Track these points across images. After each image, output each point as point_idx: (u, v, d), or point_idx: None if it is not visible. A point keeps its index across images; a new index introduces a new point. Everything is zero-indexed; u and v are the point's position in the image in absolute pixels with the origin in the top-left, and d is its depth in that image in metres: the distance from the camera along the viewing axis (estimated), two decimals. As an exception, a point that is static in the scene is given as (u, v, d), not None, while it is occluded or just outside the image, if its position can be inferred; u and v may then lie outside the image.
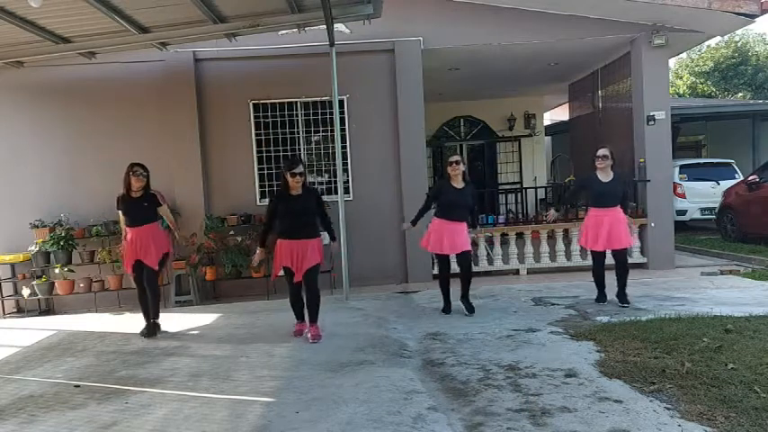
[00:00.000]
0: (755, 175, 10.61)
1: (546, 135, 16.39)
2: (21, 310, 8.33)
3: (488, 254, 9.04)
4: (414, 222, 6.29)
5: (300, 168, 5.25)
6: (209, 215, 8.21)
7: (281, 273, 5.45)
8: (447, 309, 6.30)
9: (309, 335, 5.37)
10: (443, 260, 6.30)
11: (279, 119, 8.66)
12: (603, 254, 6.29)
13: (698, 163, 13.83)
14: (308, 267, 5.24)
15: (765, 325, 4.96)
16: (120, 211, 5.91)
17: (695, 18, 8.18)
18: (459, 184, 6.09)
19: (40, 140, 8.40)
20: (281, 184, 5.38)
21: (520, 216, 10.64)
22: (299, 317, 5.62)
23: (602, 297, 6.41)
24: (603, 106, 10.85)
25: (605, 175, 6.18)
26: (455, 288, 6.27)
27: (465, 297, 6.21)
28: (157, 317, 6.04)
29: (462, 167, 6.08)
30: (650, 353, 4.41)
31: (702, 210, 12.38)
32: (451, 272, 6.41)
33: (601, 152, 6.20)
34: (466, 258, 6.15)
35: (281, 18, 6.85)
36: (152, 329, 5.93)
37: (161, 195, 6.11)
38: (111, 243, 8.03)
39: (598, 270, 6.38)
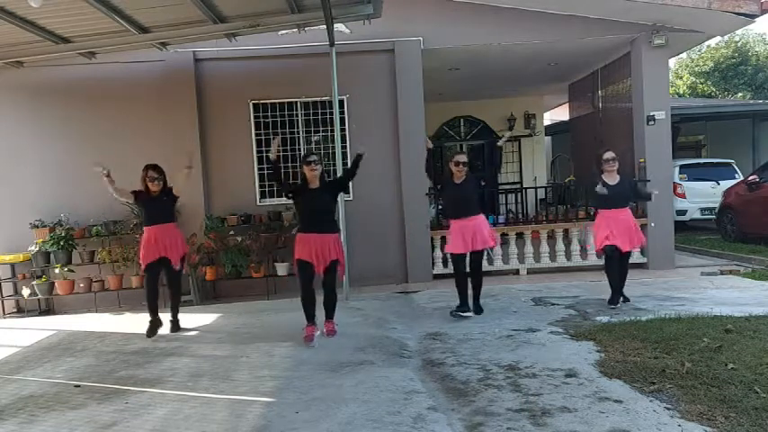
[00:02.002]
0: (755, 175, 10.60)
1: (546, 135, 16.38)
2: (21, 310, 8.33)
3: (488, 254, 9.03)
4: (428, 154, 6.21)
5: (314, 157, 5.35)
6: (209, 215, 8.21)
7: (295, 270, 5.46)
8: (466, 308, 6.03)
9: (325, 330, 5.43)
10: (460, 259, 6.04)
11: (279, 119, 8.66)
12: (619, 251, 6.03)
13: (698, 163, 13.82)
14: (328, 261, 5.26)
15: (765, 325, 4.96)
16: (131, 193, 5.88)
17: (695, 18, 8.18)
18: (459, 180, 6.02)
19: (40, 140, 8.40)
20: (301, 180, 5.46)
21: (520, 216, 10.64)
22: (310, 317, 5.37)
23: (616, 299, 6.11)
24: (603, 106, 10.84)
25: (612, 178, 6.12)
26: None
27: (476, 302, 6.13)
28: (177, 316, 6.12)
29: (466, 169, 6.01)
30: (650, 353, 4.41)
31: (702, 210, 12.38)
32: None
33: (609, 155, 6.10)
34: (477, 257, 6.03)
35: (281, 18, 6.85)
36: (156, 328, 5.89)
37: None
38: (111, 243, 8.04)
39: (613, 270, 6.11)
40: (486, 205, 6.38)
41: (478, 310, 6.13)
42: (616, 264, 6.11)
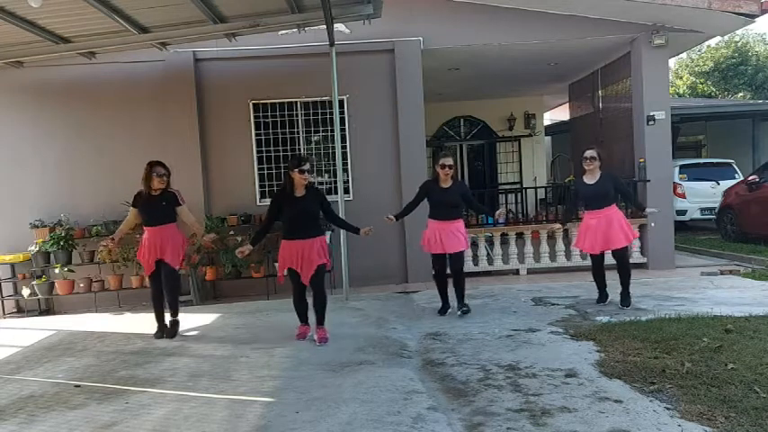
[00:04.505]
0: (755, 175, 10.61)
1: (546, 135, 16.39)
2: (21, 310, 8.33)
3: (488, 254, 9.04)
4: (397, 217, 6.18)
5: (308, 165, 5.20)
6: (209, 215, 8.20)
7: (286, 273, 5.39)
8: (445, 309, 6.26)
9: (316, 337, 5.30)
10: (439, 260, 6.18)
11: (279, 119, 8.66)
12: (601, 256, 6.29)
13: (698, 163, 13.83)
14: (314, 268, 5.17)
15: (765, 325, 4.96)
16: (132, 208, 5.82)
17: (695, 18, 8.18)
18: (446, 183, 6.02)
19: (40, 140, 8.40)
20: (285, 184, 5.27)
21: (520, 216, 10.63)
22: (303, 319, 5.52)
23: (602, 297, 6.40)
24: (603, 106, 10.85)
25: (591, 177, 6.16)
26: (451, 288, 6.23)
27: (461, 301, 6.14)
28: (177, 315, 5.94)
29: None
30: (650, 353, 4.41)
31: (702, 210, 12.39)
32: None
33: (588, 153, 6.14)
34: (458, 259, 6.07)
35: (281, 18, 6.85)
36: (163, 331, 5.81)
37: (180, 195, 5.92)
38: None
39: (596, 271, 6.38)
40: (479, 210, 6.56)
41: (465, 309, 6.08)
42: (600, 267, 6.32)
